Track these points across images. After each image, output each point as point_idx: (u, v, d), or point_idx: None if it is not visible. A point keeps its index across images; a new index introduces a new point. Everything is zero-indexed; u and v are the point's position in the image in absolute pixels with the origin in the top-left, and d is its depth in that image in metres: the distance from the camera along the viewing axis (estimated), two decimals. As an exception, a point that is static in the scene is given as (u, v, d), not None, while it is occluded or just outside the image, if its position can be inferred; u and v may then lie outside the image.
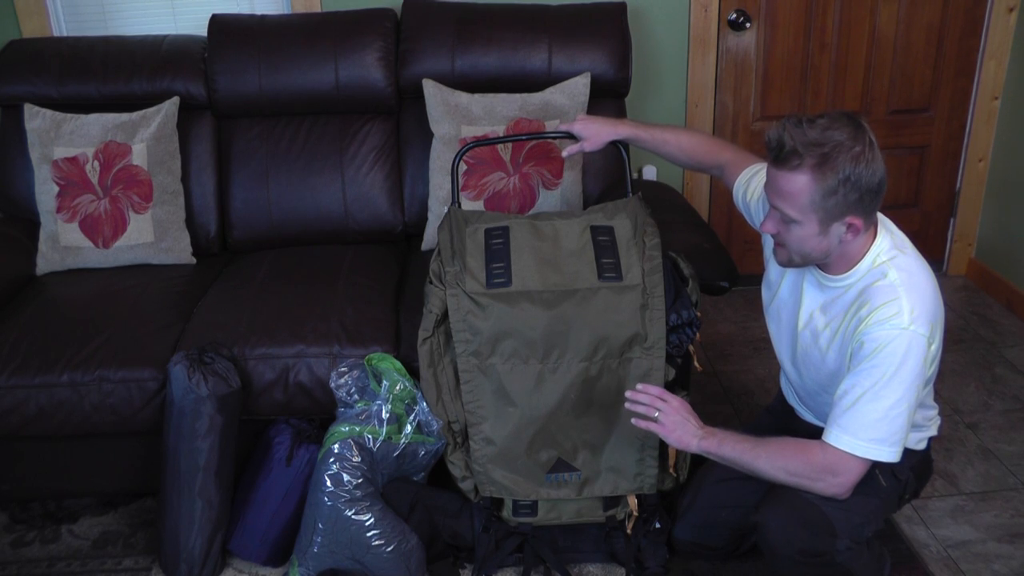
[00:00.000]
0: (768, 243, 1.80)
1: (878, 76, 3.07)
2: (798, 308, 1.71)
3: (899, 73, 3.08)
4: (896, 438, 1.54)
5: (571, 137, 2.06)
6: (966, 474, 2.30)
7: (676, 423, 1.66)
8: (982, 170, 3.21)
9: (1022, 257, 3.06)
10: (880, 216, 1.61)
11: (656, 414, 1.66)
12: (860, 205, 1.50)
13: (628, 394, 1.70)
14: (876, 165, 1.48)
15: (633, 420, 1.69)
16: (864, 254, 1.59)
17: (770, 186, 1.55)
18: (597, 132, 2.02)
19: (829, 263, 1.62)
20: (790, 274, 1.74)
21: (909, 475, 1.71)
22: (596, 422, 1.90)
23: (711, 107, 3.05)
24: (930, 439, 1.76)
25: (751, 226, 1.90)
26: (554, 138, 2.29)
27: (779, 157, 1.50)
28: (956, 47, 3.06)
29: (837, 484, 1.57)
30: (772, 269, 1.81)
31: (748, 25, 2.97)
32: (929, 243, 3.32)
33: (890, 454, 1.55)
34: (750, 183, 1.87)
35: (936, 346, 1.57)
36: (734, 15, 2.95)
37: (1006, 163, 3.11)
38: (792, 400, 1.92)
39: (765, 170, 1.83)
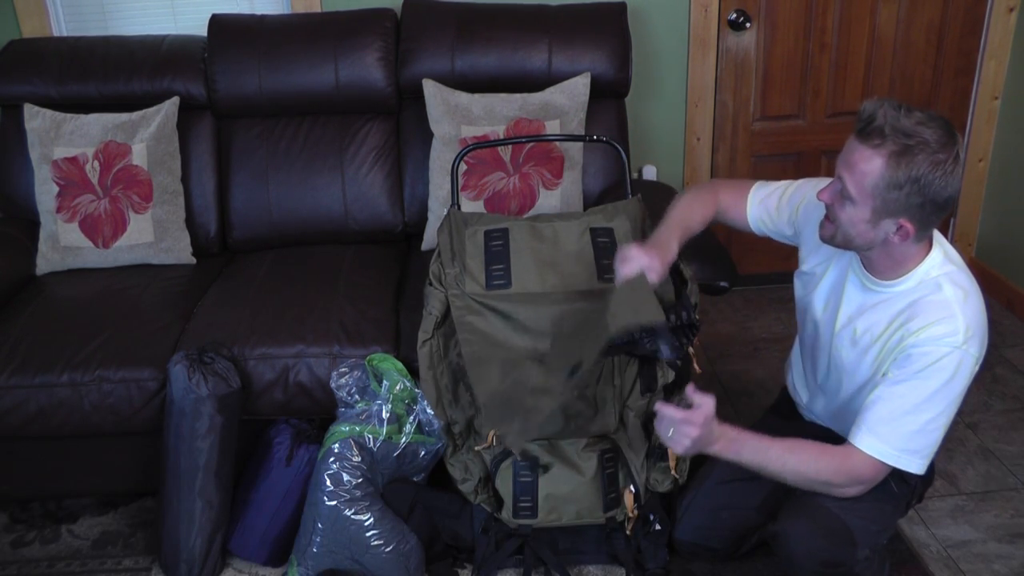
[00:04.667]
0: (807, 231, 1.77)
1: (878, 76, 3.07)
2: (837, 308, 1.68)
3: (899, 73, 3.08)
4: (928, 451, 1.54)
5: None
6: (966, 474, 2.30)
7: (678, 442, 1.57)
8: (982, 170, 3.21)
9: (1022, 257, 3.06)
10: (935, 232, 1.58)
11: (661, 436, 1.61)
12: (919, 211, 1.46)
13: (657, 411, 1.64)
14: (951, 179, 1.43)
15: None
16: (918, 264, 1.55)
17: (843, 155, 1.50)
18: (658, 267, 1.72)
19: (874, 262, 1.58)
20: (833, 270, 1.71)
21: (917, 481, 1.71)
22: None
23: (711, 107, 3.05)
24: None
25: (781, 242, 1.85)
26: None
27: (864, 130, 1.45)
28: (956, 47, 3.06)
29: (859, 489, 1.57)
30: (812, 261, 1.77)
31: (748, 25, 2.97)
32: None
33: (919, 466, 1.54)
34: (765, 203, 1.82)
35: (979, 366, 1.54)
36: (734, 15, 2.95)
37: (1006, 163, 3.11)
38: (802, 398, 1.90)
39: (775, 190, 1.81)
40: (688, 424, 1.54)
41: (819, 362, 1.77)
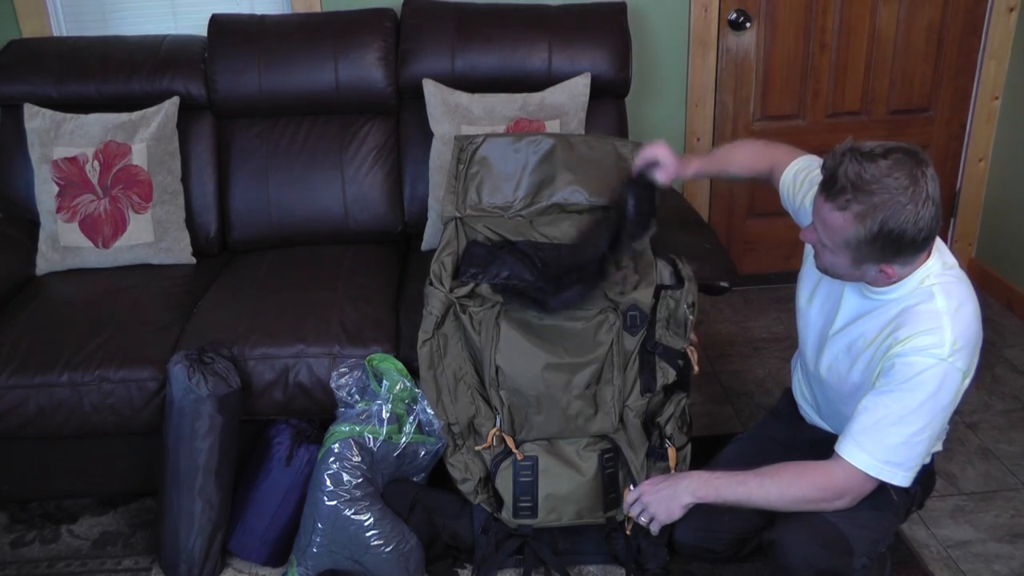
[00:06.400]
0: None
1: (878, 76, 3.07)
2: (835, 312, 1.68)
3: (899, 73, 3.08)
4: (912, 464, 1.52)
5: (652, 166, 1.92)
6: (966, 474, 2.30)
7: (657, 505, 1.67)
8: (982, 170, 3.21)
9: (1022, 257, 3.06)
10: (937, 239, 1.56)
11: (643, 519, 1.70)
12: (897, 256, 1.46)
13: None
14: (923, 219, 1.41)
15: (653, 529, 1.72)
16: (912, 272, 1.53)
17: (815, 208, 1.51)
18: (671, 168, 1.89)
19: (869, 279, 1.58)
20: (829, 277, 1.70)
21: (917, 488, 1.70)
22: None
23: (711, 107, 3.05)
24: (934, 454, 1.75)
25: (793, 218, 1.83)
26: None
27: (829, 190, 1.45)
28: (956, 47, 3.06)
29: (847, 503, 1.56)
30: (811, 267, 1.76)
31: (748, 25, 2.97)
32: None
33: (903, 479, 1.53)
34: (795, 182, 1.79)
35: (969, 380, 1.53)
36: (734, 15, 2.95)
37: (1006, 163, 3.11)
38: (801, 400, 1.90)
39: (811, 169, 1.76)
40: (640, 493, 1.71)
41: (818, 366, 1.77)
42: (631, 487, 1.79)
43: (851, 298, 1.65)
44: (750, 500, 1.60)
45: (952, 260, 1.58)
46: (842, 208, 1.44)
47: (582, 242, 1.95)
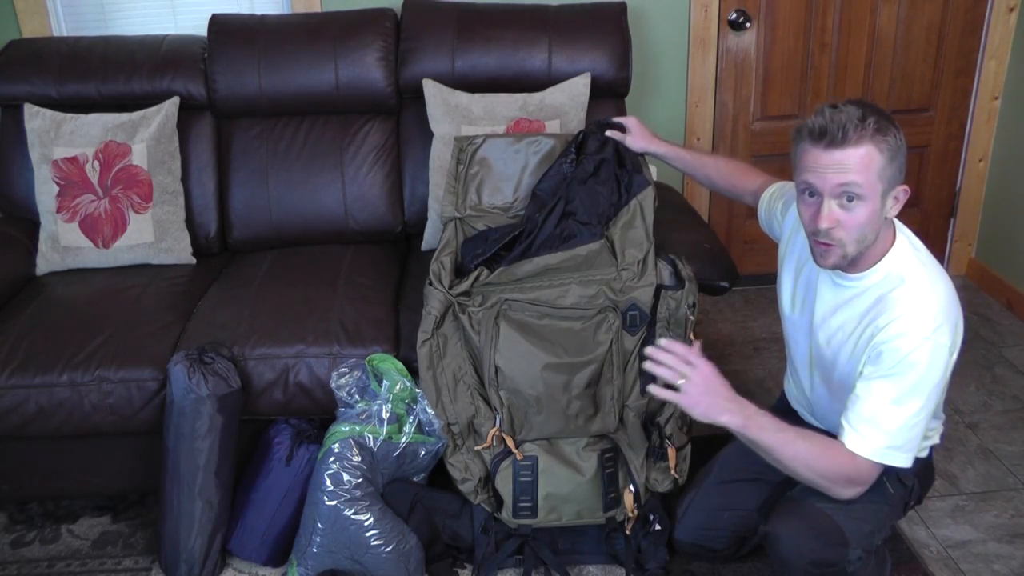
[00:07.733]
0: (789, 245, 1.79)
1: (878, 76, 3.07)
2: (813, 307, 1.69)
3: (899, 73, 3.08)
4: (912, 445, 1.54)
5: (619, 128, 2.10)
6: (966, 474, 2.30)
7: (701, 394, 1.52)
8: (982, 170, 3.21)
9: (1022, 257, 3.06)
10: (896, 220, 1.60)
11: (680, 381, 1.52)
12: (903, 168, 1.52)
13: (649, 351, 1.55)
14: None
15: (650, 388, 1.55)
16: (882, 256, 1.57)
17: (829, 173, 1.48)
18: (643, 135, 2.08)
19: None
20: (804, 272, 1.72)
21: (915, 481, 1.71)
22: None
23: (711, 107, 3.05)
24: (932, 447, 1.76)
25: (772, 238, 1.91)
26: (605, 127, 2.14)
27: (839, 137, 1.46)
28: (956, 47, 3.06)
29: (854, 492, 1.56)
30: (786, 271, 1.80)
31: (748, 25, 2.97)
32: (929, 243, 3.24)
33: (905, 460, 1.54)
34: (772, 197, 1.89)
35: (956, 355, 1.55)
36: (734, 15, 2.95)
37: (1006, 163, 3.11)
38: (797, 405, 1.91)
39: (785, 187, 1.87)
40: (689, 361, 1.53)
41: (803, 361, 1.78)
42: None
43: (825, 291, 1.66)
44: (776, 449, 1.52)
45: (918, 242, 1.61)
46: (859, 141, 1.46)
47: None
